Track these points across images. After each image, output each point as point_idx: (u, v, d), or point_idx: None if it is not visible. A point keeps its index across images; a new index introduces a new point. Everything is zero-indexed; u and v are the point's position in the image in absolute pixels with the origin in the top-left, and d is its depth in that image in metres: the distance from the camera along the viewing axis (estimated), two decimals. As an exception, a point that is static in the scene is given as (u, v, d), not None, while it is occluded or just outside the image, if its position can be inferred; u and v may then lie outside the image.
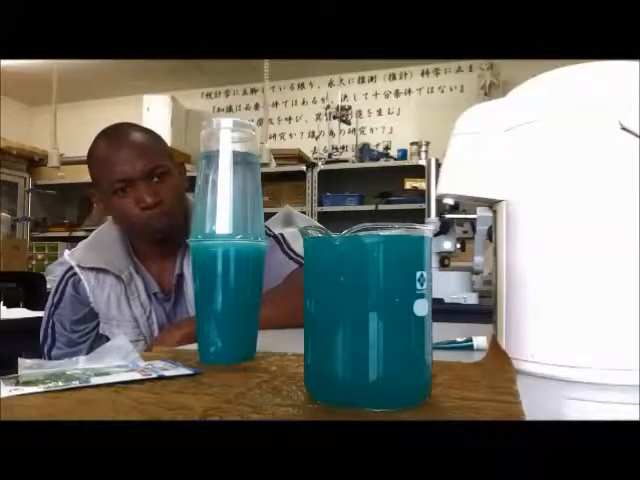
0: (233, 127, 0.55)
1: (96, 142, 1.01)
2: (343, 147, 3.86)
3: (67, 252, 1.10)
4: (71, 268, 1.07)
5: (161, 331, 0.99)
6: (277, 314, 0.83)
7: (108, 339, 1.02)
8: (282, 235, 1.04)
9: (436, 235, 2.11)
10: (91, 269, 1.05)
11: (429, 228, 0.38)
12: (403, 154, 3.60)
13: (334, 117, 3.77)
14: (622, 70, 0.47)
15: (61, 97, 3.39)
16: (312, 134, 4.06)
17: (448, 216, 2.12)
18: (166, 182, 1.00)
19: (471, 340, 0.63)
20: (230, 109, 4.27)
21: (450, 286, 2.12)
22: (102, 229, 1.12)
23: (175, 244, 1.05)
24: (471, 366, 0.50)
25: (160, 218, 0.98)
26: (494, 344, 0.53)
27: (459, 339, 0.64)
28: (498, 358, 0.50)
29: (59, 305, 1.07)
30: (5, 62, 3.30)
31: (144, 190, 0.97)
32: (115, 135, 1.01)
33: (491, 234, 0.62)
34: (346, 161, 3.63)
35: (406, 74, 3.89)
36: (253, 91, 4.21)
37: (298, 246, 1.04)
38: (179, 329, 0.82)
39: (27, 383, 0.42)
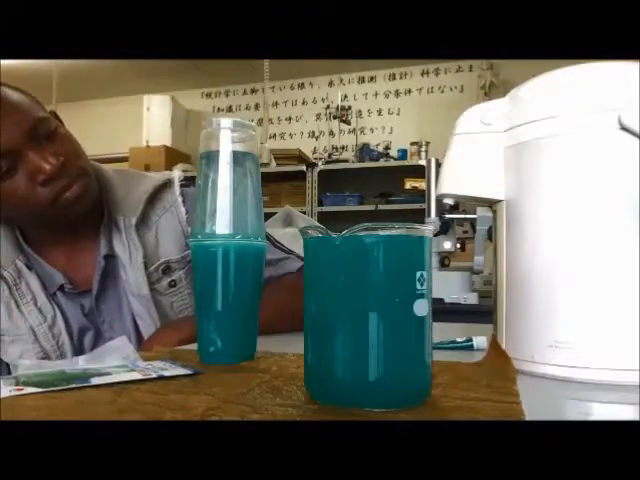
0: (233, 127, 0.55)
1: None
2: (343, 147, 3.87)
3: None
4: None
5: (81, 337, 0.83)
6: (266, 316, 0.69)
7: (8, 366, 0.79)
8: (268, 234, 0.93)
9: (436, 235, 2.11)
10: None
11: (429, 228, 0.38)
12: (403, 154, 3.60)
13: (334, 117, 3.78)
14: (622, 70, 0.47)
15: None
16: (312, 134, 4.06)
17: (448, 216, 2.12)
18: (59, 140, 0.76)
19: (471, 340, 0.63)
20: (230, 109, 4.28)
21: (450, 286, 2.12)
22: None
23: (90, 220, 0.83)
24: (471, 366, 0.50)
25: (72, 188, 0.75)
26: (494, 344, 0.53)
27: (459, 339, 0.64)
28: (498, 358, 0.50)
29: None
30: (5, 62, 3.29)
31: (37, 157, 0.72)
32: None
33: (491, 234, 0.62)
34: (346, 161, 3.63)
35: (406, 74, 3.89)
36: (253, 91, 4.21)
37: (285, 242, 0.92)
38: (177, 332, 0.71)
39: (27, 383, 0.42)
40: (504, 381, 0.44)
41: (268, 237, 0.86)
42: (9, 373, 0.80)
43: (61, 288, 0.83)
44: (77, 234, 0.84)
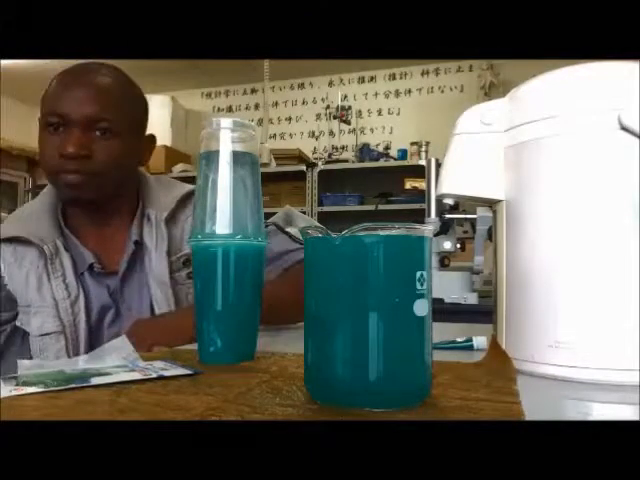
0: (233, 127, 0.55)
1: (62, 72, 0.88)
2: (343, 147, 3.87)
3: None
4: None
5: (102, 315, 0.90)
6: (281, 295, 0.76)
7: (25, 335, 0.87)
8: (277, 224, 0.98)
9: (436, 235, 2.11)
10: (8, 241, 0.89)
11: (429, 228, 0.38)
12: (403, 154, 3.60)
13: (334, 117, 3.78)
14: (622, 70, 0.47)
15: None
16: (312, 134, 4.06)
17: (448, 216, 2.12)
18: (108, 141, 0.85)
19: (471, 340, 0.63)
20: (230, 109, 4.28)
21: (450, 286, 2.12)
22: (34, 200, 0.99)
23: (125, 211, 0.94)
24: (471, 366, 0.50)
25: (76, 175, 0.84)
26: (494, 344, 0.53)
27: (459, 339, 0.64)
28: (498, 358, 0.50)
29: None
30: (5, 62, 3.29)
31: (74, 137, 0.83)
32: (79, 70, 0.88)
33: (491, 234, 0.62)
34: (346, 161, 3.63)
35: (406, 74, 3.89)
36: (253, 91, 4.21)
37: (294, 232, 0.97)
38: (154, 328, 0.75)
39: (27, 383, 0.42)
40: (504, 381, 0.44)
41: (281, 229, 0.95)
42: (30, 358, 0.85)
43: (90, 267, 0.90)
44: (111, 221, 0.94)
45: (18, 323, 0.88)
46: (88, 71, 0.88)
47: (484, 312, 0.82)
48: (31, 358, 0.86)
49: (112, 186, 0.90)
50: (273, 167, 3.45)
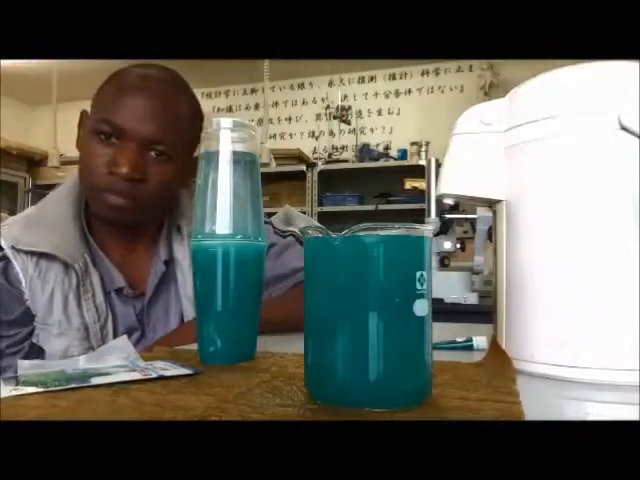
0: (233, 127, 0.55)
1: (121, 71, 0.79)
2: (343, 147, 3.87)
3: None
4: (1, 250, 0.77)
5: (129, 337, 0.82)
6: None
7: (41, 352, 0.78)
8: (296, 234, 0.94)
9: (436, 235, 2.11)
10: (31, 253, 0.77)
11: (429, 228, 0.38)
12: (403, 154, 3.60)
13: (334, 117, 3.77)
14: (622, 70, 0.47)
15: (61, 97, 3.39)
16: (312, 134, 4.06)
17: (448, 216, 2.12)
18: (162, 165, 0.77)
19: (471, 340, 0.63)
20: (230, 109, 4.27)
21: (450, 286, 2.12)
22: (48, 200, 0.84)
23: (149, 225, 0.86)
24: (471, 366, 0.50)
25: (125, 199, 0.76)
26: (494, 344, 0.53)
27: (459, 339, 0.64)
28: (498, 358, 0.50)
29: None
30: (5, 62, 3.30)
31: (129, 155, 0.74)
32: (142, 75, 0.78)
33: (491, 234, 0.62)
34: (346, 161, 3.63)
35: (406, 74, 3.89)
36: (253, 91, 4.21)
37: (283, 226, 0.94)
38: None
39: (27, 383, 0.42)
40: (504, 381, 0.44)
41: (300, 241, 0.89)
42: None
43: (119, 290, 0.82)
44: (137, 236, 0.85)
45: (34, 340, 0.78)
46: (151, 79, 0.78)
47: (484, 312, 0.82)
48: None
49: (158, 210, 0.84)
50: (273, 167, 3.45)
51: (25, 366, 0.47)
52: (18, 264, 0.77)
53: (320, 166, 3.56)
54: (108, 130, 0.75)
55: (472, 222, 2.08)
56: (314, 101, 4.08)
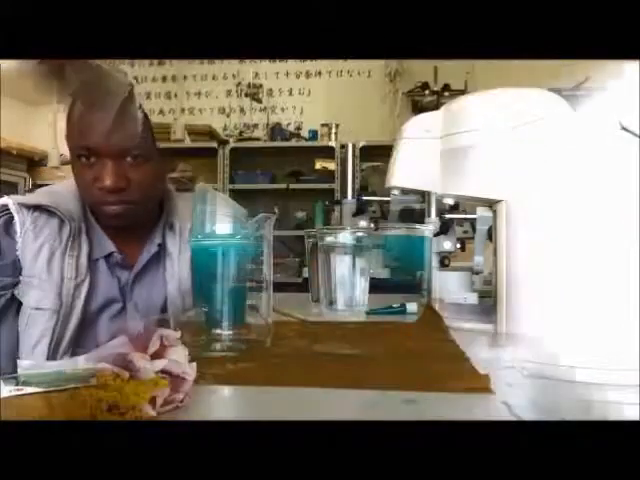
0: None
1: (73, 94, 0.83)
2: (254, 125, 3.77)
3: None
4: (5, 207, 0.86)
5: (104, 307, 0.87)
6: None
7: (19, 307, 0.84)
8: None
9: (436, 235, 2.11)
10: (32, 208, 0.86)
11: (429, 228, 0.38)
12: (314, 135, 3.56)
13: (245, 95, 3.66)
14: (622, 70, 0.47)
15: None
16: (222, 110, 3.89)
17: (448, 216, 2.12)
18: (141, 167, 0.84)
19: (404, 305, 0.79)
20: (136, 80, 3.88)
21: (450, 286, 2.11)
22: (60, 183, 0.96)
23: (149, 217, 0.93)
24: (410, 324, 0.62)
25: (117, 206, 0.84)
26: (429, 308, 0.69)
27: (394, 305, 0.80)
28: (432, 316, 0.65)
29: None
30: (5, 62, 3.30)
31: (110, 170, 0.81)
32: (92, 92, 0.80)
33: (491, 234, 0.63)
34: (258, 139, 3.57)
35: (316, 56, 3.78)
36: (160, 63, 3.93)
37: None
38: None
39: (27, 383, 0.42)
40: (439, 331, 0.53)
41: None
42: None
43: (109, 256, 0.89)
44: (134, 228, 0.91)
45: (16, 292, 0.84)
46: (102, 92, 0.80)
47: (484, 312, 0.82)
48: (17, 334, 0.83)
49: (151, 207, 0.92)
50: (188, 143, 3.40)
51: (25, 366, 0.47)
52: (18, 218, 0.85)
53: (232, 143, 3.49)
54: (85, 153, 0.82)
55: (472, 222, 2.07)
56: (224, 77, 3.87)
